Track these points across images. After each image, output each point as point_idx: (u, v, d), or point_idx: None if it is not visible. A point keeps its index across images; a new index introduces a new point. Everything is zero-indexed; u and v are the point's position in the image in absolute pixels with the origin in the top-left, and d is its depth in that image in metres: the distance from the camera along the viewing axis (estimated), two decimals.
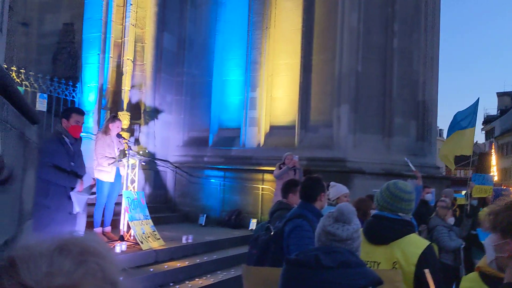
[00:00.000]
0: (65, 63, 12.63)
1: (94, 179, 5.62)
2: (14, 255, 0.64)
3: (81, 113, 5.27)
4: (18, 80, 9.13)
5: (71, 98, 10.70)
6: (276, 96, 11.42)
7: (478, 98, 8.48)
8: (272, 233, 3.48)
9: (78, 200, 4.94)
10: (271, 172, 10.75)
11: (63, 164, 4.84)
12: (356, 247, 2.11)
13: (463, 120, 8.45)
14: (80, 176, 5.04)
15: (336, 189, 5.30)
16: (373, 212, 5.02)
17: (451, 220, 6.88)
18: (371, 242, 2.72)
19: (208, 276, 6.95)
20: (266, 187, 10.73)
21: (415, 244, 2.68)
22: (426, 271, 2.48)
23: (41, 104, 9.35)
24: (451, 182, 12.20)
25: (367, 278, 1.95)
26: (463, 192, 9.64)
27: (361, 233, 2.78)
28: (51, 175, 4.73)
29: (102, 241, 0.73)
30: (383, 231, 2.72)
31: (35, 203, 4.55)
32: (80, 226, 5.23)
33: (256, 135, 11.39)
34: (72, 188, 4.92)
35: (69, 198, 4.86)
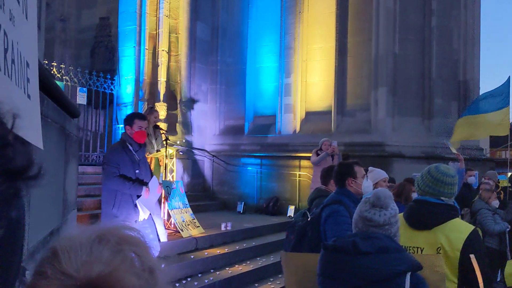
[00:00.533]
0: (102, 57, 12.94)
1: (160, 183, 5.57)
2: (56, 245, 0.66)
3: (143, 118, 5.15)
4: (58, 75, 9.41)
5: (110, 91, 10.96)
6: (311, 81, 11.31)
7: (509, 77, 8.12)
8: (309, 219, 3.48)
9: (144, 207, 4.89)
10: (307, 158, 10.69)
11: (128, 172, 4.81)
12: (394, 232, 2.08)
13: (494, 101, 8.11)
14: (145, 183, 4.95)
15: (375, 174, 5.22)
16: (414, 195, 4.94)
17: (495, 203, 6.66)
18: (413, 228, 2.66)
19: (248, 262, 7.03)
20: (303, 173, 10.69)
21: (459, 229, 2.59)
22: (472, 256, 2.42)
23: (81, 98, 9.63)
24: (495, 164, 11.78)
25: (406, 263, 1.92)
26: (509, 174, 9.31)
27: (401, 218, 2.74)
28: (117, 185, 4.74)
29: (140, 230, 0.74)
30: (426, 216, 2.64)
31: (103, 213, 4.71)
32: (159, 229, 5.26)
33: (291, 122, 11.34)
34: (138, 196, 4.86)
35: (136, 206, 4.84)
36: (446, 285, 2.42)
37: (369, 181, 3.50)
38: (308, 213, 3.62)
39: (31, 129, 1.37)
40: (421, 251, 2.58)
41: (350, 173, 3.45)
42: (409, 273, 1.91)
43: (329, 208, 3.29)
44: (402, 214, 2.85)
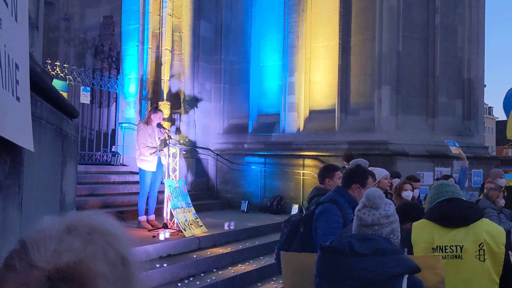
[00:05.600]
0: (106, 56, 12.96)
1: None
2: (25, 238, 0.65)
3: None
4: (62, 75, 9.44)
5: (113, 90, 10.99)
6: (314, 80, 11.28)
7: None
8: (303, 215, 3.49)
9: None
10: (311, 157, 10.70)
11: None
12: (387, 234, 2.05)
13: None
14: None
15: (376, 172, 5.21)
16: (405, 193, 4.97)
17: (502, 202, 6.58)
18: (448, 226, 2.60)
19: (251, 261, 7.02)
20: (307, 172, 10.67)
21: (495, 226, 2.61)
22: (510, 253, 2.43)
23: (84, 97, 9.65)
24: (500, 162, 11.71)
25: (403, 266, 1.90)
26: None
27: (421, 221, 2.75)
28: None
29: (113, 221, 0.73)
30: (466, 210, 2.60)
31: None
32: None
33: (295, 120, 11.32)
34: None
35: None
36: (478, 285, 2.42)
37: None
38: (303, 208, 3.64)
39: (20, 131, 1.36)
40: (461, 249, 2.53)
41: (361, 180, 3.38)
42: (406, 276, 1.90)
43: (322, 206, 3.29)
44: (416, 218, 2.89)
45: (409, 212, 3.21)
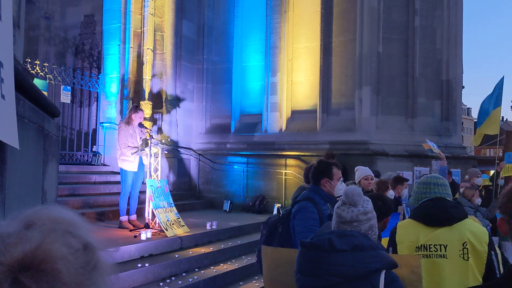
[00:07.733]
0: (87, 55, 12.83)
1: None
2: None
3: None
4: (42, 74, 9.32)
5: (94, 89, 10.89)
6: (296, 80, 11.35)
7: (503, 77, 8.30)
8: (280, 215, 3.54)
9: None
10: (293, 157, 10.76)
11: None
12: (365, 230, 2.10)
13: (490, 103, 8.29)
14: None
15: (358, 172, 5.38)
16: (390, 192, 5.13)
17: (478, 201, 6.74)
18: (431, 225, 2.64)
19: (233, 261, 7.04)
20: (289, 171, 10.74)
21: (478, 225, 2.66)
22: (493, 253, 2.50)
23: (65, 96, 9.55)
24: (477, 162, 11.95)
25: (381, 261, 1.95)
26: (491, 172, 9.42)
27: (405, 220, 2.78)
28: None
29: (70, 211, 0.72)
30: (450, 210, 2.64)
31: None
32: None
33: (277, 120, 11.38)
34: None
35: None
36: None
37: (343, 184, 3.53)
38: (280, 209, 3.70)
39: (5, 129, 1.37)
40: (445, 248, 2.57)
41: (327, 173, 3.46)
42: (384, 271, 1.95)
43: (298, 205, 3.35)
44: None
45: (375, 204, 3.27)
